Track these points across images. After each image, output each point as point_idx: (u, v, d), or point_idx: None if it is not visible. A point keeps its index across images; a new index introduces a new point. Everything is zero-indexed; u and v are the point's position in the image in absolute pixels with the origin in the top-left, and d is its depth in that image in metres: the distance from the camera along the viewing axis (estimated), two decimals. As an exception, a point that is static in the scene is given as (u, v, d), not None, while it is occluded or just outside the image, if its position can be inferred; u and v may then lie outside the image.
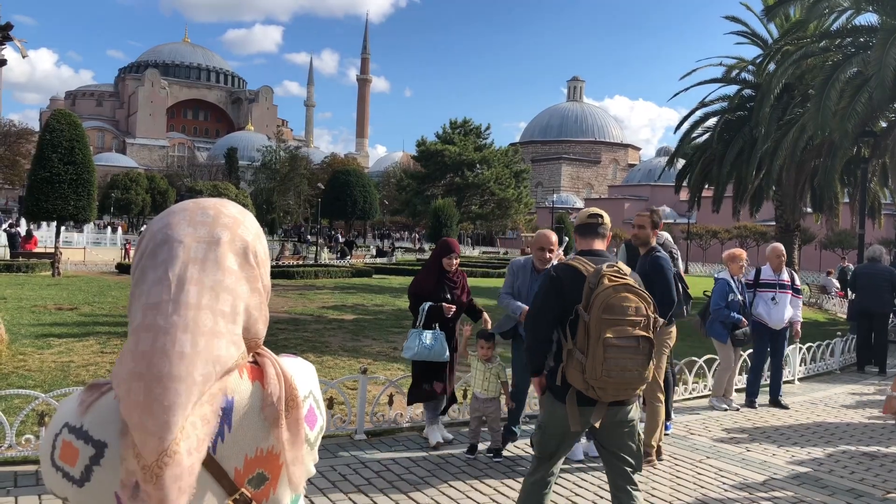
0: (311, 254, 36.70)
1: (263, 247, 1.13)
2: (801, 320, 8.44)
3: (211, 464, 0.99)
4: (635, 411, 3.43)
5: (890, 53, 14.10)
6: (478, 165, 46.25)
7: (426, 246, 44.82)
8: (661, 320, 3.31)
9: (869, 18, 18.01)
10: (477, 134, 49.09)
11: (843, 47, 17.82)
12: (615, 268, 3.24)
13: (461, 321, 6.03)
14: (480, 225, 54.82)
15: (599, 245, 3.60)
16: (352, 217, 51.51)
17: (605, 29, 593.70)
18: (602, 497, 4.86)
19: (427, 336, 5.63)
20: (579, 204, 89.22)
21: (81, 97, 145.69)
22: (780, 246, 8.39)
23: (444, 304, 5.68)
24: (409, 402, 6.01)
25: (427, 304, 5.68)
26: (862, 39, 17.18)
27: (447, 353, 5.66)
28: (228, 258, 1.05)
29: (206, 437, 0.96)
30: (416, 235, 56.33)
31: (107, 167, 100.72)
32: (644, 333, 3.11)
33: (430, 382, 5.77)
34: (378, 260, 35.38)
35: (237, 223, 1.09)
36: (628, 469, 3.45)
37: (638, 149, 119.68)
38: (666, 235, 6.67)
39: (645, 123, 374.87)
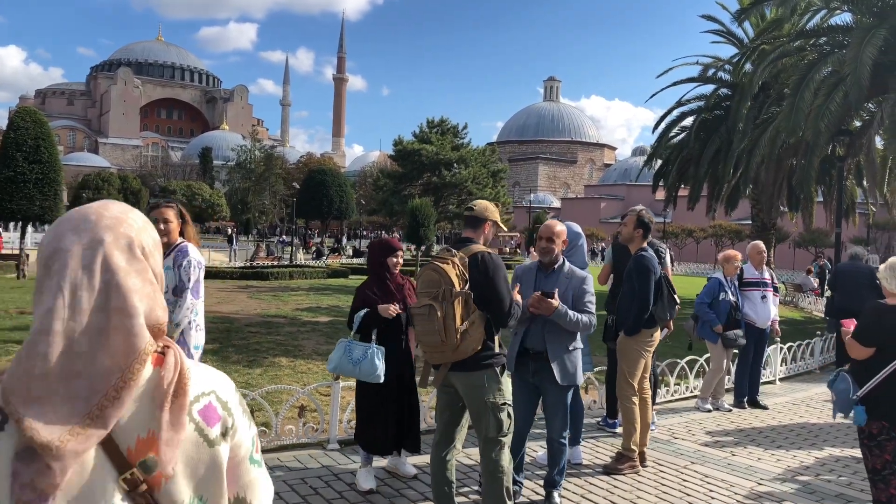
0: (287, 254, 36.27)
1: (151, 238, 1.21)
2: (779, 319, 8.40)
3: (107, 442, 1.07)
4: (481, 378, 3.79)
5: (865, 52, 14.12)
6: (455, 165, 45.98)
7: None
8: (466, 293, 3.69)
9: (844, 18, 18.09)
10: (454, 133, 48.88)
11: (819, 46, 17.87)
12: (445, 251, 3.86)
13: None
14: (458, 224, 54.62)
15: (469, 233, 4.08)
16: (328, 217, 51.05)
17: (582, 29, 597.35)
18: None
19: (356, 349, 4.64)
20: (556, 203, 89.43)
21: (52, 95, 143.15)
22: (761, 243, 8.33)
23: (382, 306, 4.70)
24: (357, 441, 5.01)
25: (363, 311, 4.74)
26: (837, 38, 17.22)
27: (379, 372, 4.58)
28: (115, 257, 1.13)
29: (113, 419, 1.05)
30: (337, 234, 53.84)
31: (78, 167, 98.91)
32: (430, 302, 3.66)
33: (378, 417, 4.80)
34: (355, 260, 35.04)
35: (119, 222, 1.17)
36: (481, 435, 3.88)
37: (614, 148, 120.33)
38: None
39: (621, 123, 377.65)
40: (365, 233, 79.51)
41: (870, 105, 17.65)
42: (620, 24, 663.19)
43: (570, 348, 4.52)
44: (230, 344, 10.22)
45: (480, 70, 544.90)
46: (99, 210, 1.17)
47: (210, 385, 1.20)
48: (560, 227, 4.63)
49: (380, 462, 5.24)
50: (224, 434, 1.18)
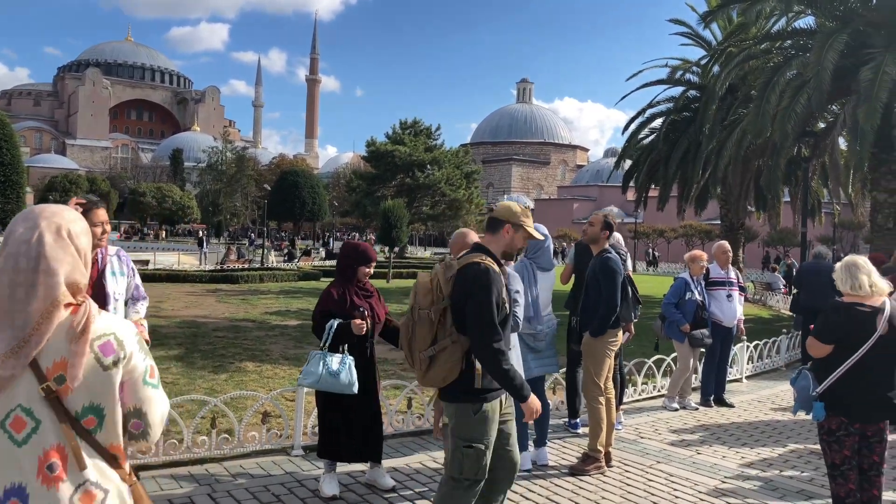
0: (259, 257, 35.94)
1: (79, 226, 1.75)
2: (744, 317, 8.49)
3: (33, 362, 1.61)
4: (453, 409, 3.39)
5: (827, 56, 14.33)
6: (428, 166, 45.91)
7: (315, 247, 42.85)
8: (434, 310, 3.32)
9: (809, 21, 18.37)
10: (427, 134, 48.80)
11: (784, 49, 18.12)
12: (443, 262, 3.49)
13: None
14: (432, 226, 54.59)
15: (486, 238, 3.56)
16: (300, 219, 50.72)
17: (555, 31, 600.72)
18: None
19: (334, 360, 4.54)
20: (529, 205, 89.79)
21: (18, 96, 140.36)
22: (726, 243, 8.43)
23: (354, 319, 4.62)
24: (321, 455, 4.89)
25: (336, 322, 4.64)
26: (801, 42, 17.48)
27: (353, 383, 4.55)
28: (46, 236, 1.67)
29: (33, 350, 1.60)
30: (283, 234, 52.92)
31: (44, 168, 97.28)
32: (406, 319, 3.45)
33: (343, 425, 4.75)
34: (327, 263, 34.82)
35: (54, 214, 1.72)
36: (445, 468, 3.54)
37: (586, 150, 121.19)
38: (617, 237, 6.58)
39: (594, 125, 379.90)
40: (338, 234, 79.13)
41: (834, 107, 17.95)
42: (593, 26, 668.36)
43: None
44: (196, 349, 10.07)
45: (454, 71, 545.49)
46: (42, 207, 1.74)
47: (111, 328, 1.70)
48: (472, 236, 4.41)
49: (344, 468, 5.19)
50: (116, 363, 1.67)
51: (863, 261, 4.31)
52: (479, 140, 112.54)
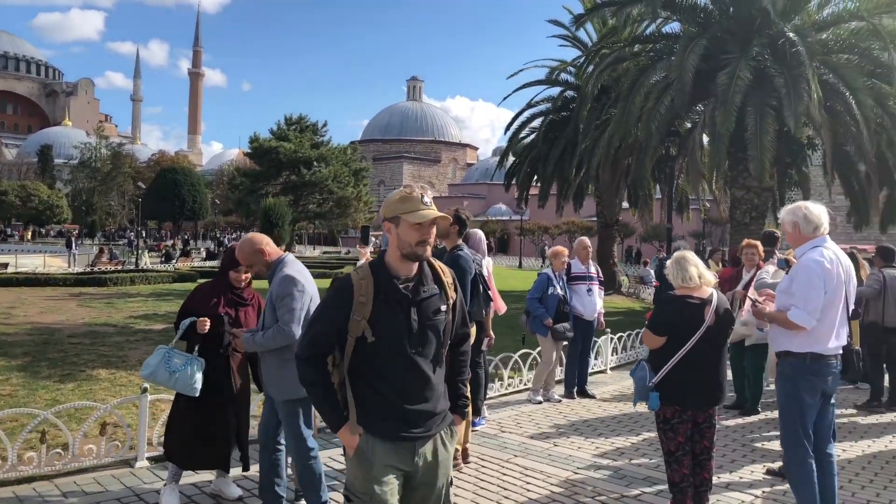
0: (134, 258, 34.17)
1: None
2: (604, 311, 8.77)
3: None
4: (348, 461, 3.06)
5: (688, 60, 15.10)
6: (315, 163, 45.19)
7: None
8: None
9: (675, 26, 19.30)
10: (314, 131, 47.99)
11: (653, 52, 18.97)
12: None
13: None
14: (320, 224, 53.75)
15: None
16: (180, 218, 48.63)
17: (448, 29, 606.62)
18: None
19: (176, 358, 4.38)
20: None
21: None
22: (586, 239, 8.69)
23: (200, 319, 4.44)
24: (168, 458, 4.67)
25: (189, 319, 4.47)
26: (667, 45, 18.35)
27: (196, 385, 4.35)
28: None
29: None
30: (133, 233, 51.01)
31: None
32: None
33: (198, 431, 4.50)
34: (208, 263, 33.50)
35: None
36: None
37: (476, 148, 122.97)
38: (479, 235, 6.59)
39: (486, 123, 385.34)
40: (221, 234, 76.57)
41: (699, 107, 18.95)
42: (483, 26, 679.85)
43: (283, 360, 4.01)
44: (44, 358, 9.36)
45: (346, 68, 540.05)
46: None
47: None
48: (257, 240, 4.23)
49: (191, 478, 4.93)
50: None
51: (690, 255, 4.51)
52: (369, 137, 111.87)
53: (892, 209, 20.31)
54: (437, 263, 2.83)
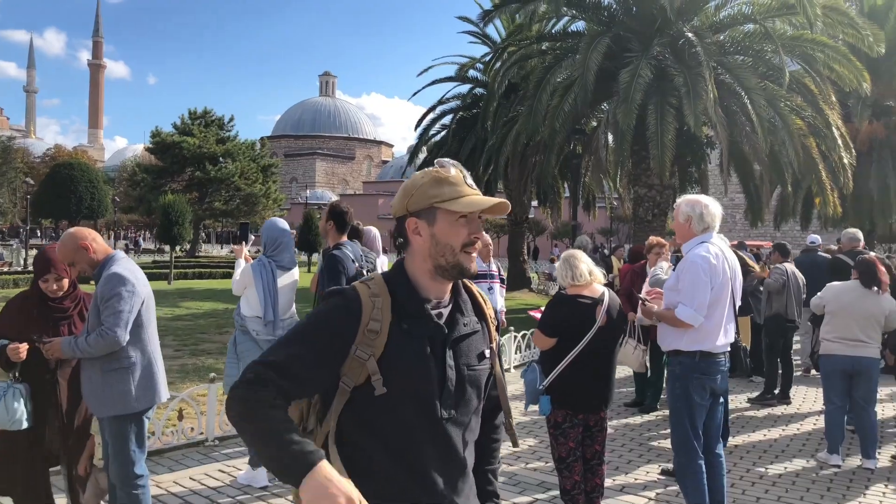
0: (22, 259, 31.99)
1: None
2: (505, 309, 8.63)
3: None
4: None
5: (591, 58, 15.19)
6: (221, 159, 43.62)
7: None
8: None
9: (580, 25, 19.47)
10: (219, 126, 46.30)
11: (558, 50, 19.07)
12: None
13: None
14: (226, 222, 52.02)
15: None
16: (77, 216, 45.99)
17: (362, 25, 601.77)
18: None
19: None
20: (335, 199, 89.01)
21: None
22: (487, 237, 8.48)
23: (11, 346, 3.67)
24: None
25: (2, 343, 3.73)
26: (572, 44, 18.47)
27: (19, 416, 3.68)
28: None
29: None
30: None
31: None
32: None
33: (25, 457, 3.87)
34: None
35: None
36: None
37: (391, 146, 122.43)
38: (374, 233, 6.30)
39: (402, 121, 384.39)
40: (123, 233, 73.24)
41: (604, 105, 19.19)
42: (398, 23, 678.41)
43: (107, 370, 3.60)
44: None
45: (257, 62, 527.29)
46: None
47: None
48: (81, 235, 3.72)
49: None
50: None
51: (579, 253, 4.36)
52: (280, 133, 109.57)
53: (785, 207, 21.20)
54: (475, 287, 1.93)
